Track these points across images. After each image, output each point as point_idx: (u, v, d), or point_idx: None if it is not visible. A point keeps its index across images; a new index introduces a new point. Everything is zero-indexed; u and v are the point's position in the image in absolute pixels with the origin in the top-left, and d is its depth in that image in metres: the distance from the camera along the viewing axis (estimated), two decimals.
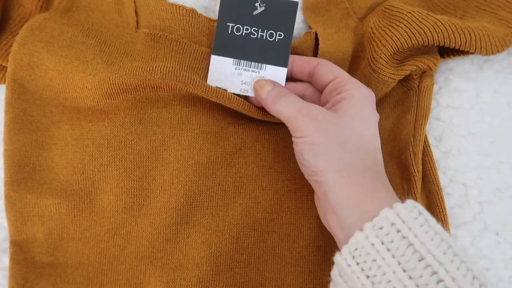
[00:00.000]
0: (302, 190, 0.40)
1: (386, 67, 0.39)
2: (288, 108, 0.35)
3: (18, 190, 0.37)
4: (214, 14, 0.45)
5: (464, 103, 0.43)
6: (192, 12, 0.39)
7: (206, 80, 0.39)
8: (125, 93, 0.37)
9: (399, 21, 0.39)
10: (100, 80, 0.36)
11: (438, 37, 0.38)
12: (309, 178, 0.35)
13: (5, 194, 0.37)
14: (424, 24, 0.38)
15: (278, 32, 0.38)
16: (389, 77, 0.39)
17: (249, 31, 0.38)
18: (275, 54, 0.39)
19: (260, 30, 0.38)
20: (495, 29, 0.39)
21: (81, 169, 0.38)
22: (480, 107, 0.43)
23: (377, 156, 0.34)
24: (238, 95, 0.38)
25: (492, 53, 0.40)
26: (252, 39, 0.38)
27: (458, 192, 0.42)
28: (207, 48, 0.40)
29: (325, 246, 0.40)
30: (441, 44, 0.38)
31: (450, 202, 0.42)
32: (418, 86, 0.42)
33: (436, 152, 0.43)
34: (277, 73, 0.39)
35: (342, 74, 0.36)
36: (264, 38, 0.38)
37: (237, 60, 0.39)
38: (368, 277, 0.28)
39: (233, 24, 0.38)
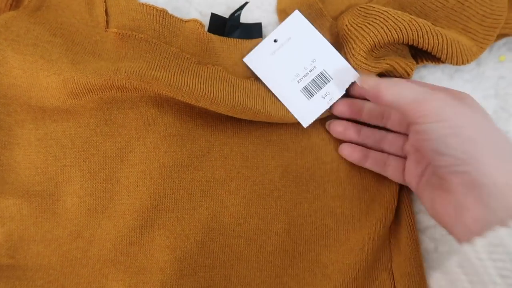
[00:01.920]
0: (271, 195, 0.40)
1: (366, 61, 0.39)
2: (414, 90, 0.31)
3: None
4: (188, 15, 0.45)
5: None
6: (163, 12, 0.39)
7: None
8: (90, 93, 0.36)
9: (375, 18, 0.39)
10: (65, 79, 0.35)
11: (413, 35, 0.38)
12: (452, 169, 0.30)
13: None
14: (400, 22, 0.38)
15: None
16: (367, 69, 0.39)
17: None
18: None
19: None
20: (462, 39, 0.40)
21: (44, 170, 0.37)
22: None
23: None
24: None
25: (462, 63, 0.40)
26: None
27: None
28: (177, 49, 0.39)
29: (293, 251, 0.40)
30: (415, 44, 0.38)
31: (414, 207, 0.42)
32: None
33: None
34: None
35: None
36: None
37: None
38: (503, 277, 0.25)
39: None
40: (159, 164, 0.38)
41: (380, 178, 0.41)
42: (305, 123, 0.40)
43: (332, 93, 0.40)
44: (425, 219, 0.42)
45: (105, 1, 0.40)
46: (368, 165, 0.40)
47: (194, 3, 0.45)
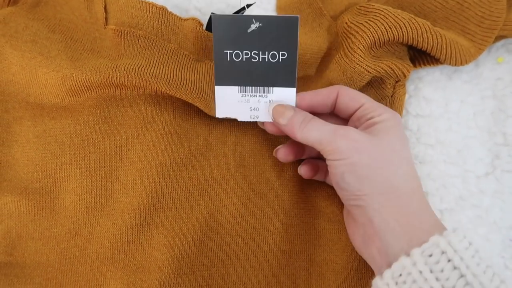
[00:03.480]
0: (268, 195, 0.40)
1: (363, 58, 0.39)
2: (320, 131, 0.33)
3: None
4: (187, 13, 0.44)
5: (433, 111, 0.44)
6: (162, 10, 0.39)
7: (215, 112, 0.38)
8: (89, 91, 0.36)
9: (375, 15, 0.39)
10: (64, 76, 0.35)
11: (412, 33, 0.38)
12: (350, 203, 0.33)
13: None
14: (400, 20, 0.38)
15: (281, 52, 0.36)
16: (365, 68, 0.39)
17: (249, 55, 0.36)
18: (281, 75, 0.37)
19: (261, 52, 0.36)
20: (461, 40, 0.40)
21: (42, 167, 0.37)
22: (449, 116, 0.44)
23: (417, 178, 0.33)
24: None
25: (461, 63, 0.40)
26: (254, 63, 0.36)
27: None
28: (176, 46, 0.39)
29: (290, 250, 0.40)
30: (414, 43, 0.39)
31: None
32: (391, 96, 0.42)
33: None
34: (286, 94, 0.37)
35: (367, 100, 0.35)
36: (267, 60, 0.36)
37: (242, 87, 0.37)
38: None
39: (231, 51, 0.36)
40: (157, 163, 0.38)
41: None
42: (218, 114, 0.38)
43: (260, 114, 0.38)
44: None
45: None
46: (303, 170, 0.39)
47: (193, 0, 0.45)
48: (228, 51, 0.36)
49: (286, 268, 0.40)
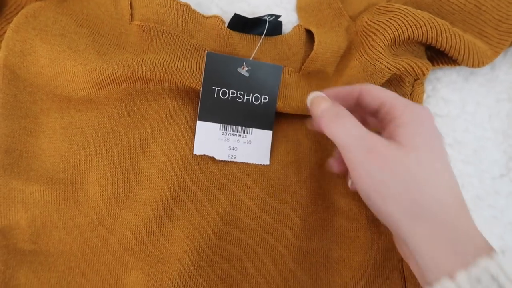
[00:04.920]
0: (287, 191, 0.41)
1: (384, 55, 0.39)
2: (347, 135, 0.30)
3: (4, 176, 0.36)
4: (209, 11, 0.45)
5: (451, 112, 0.44)
6: (186, 7, 0.40)
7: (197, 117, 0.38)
8: (115, 84, 0.37)
9: (395, 14, 0.39)
10: (91, 70, 0.36)
11: (432, 33, 0.38)
12: (380, 218, 0.30)
13: None
14: (420, 19, 0.38)
15: (263, 96, 0.38)
16: (385, 65, 0.40)
17: (235, 94, 0.38)
18: (260, 118, 0.38)
19: (246, 93, 0.38)
20: (478, 43, 0.41)
21: (68, 158, 0.38)
22: (465, 117, 0.44)
23: (455, 189, 0.28)
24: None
25: (478, 65, 0.41)
26: (238, 103, 0.38)
27: None
28: (199, 42, 0.40)
29: (307, 246, 0.40)
30: (433, 42, 0.39)
31: None
32: (410, 94, 0.43)
33: None
34: (264, 137, 0.39)
35: (389, 98, 0.31)
36: (250, 101, 0.38)
37: (223, 125, 0.38)
38: None
39: (219, 88, 0.37)
40: (180, 156, 0.38)
41: None
42: (196, 150, 0.38)
43: (238, 154, 0.39)
44: None
45: None
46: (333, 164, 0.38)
47: None
48: (216, 88, 0.38)
49: (303, 263, 0.40)
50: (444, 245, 0.26)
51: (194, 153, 0.38)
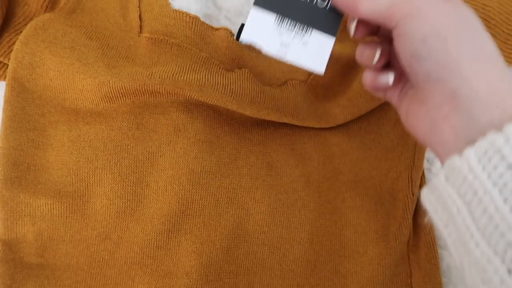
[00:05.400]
0: (295, 205, 0.40)
1: None
2: None
3: (11, 189, 0.36)
4: (217, 22, 0.45)
5: None
6: (195, 19, 0.40)
7: (238, 37, 0.33)
8: (124, 97, 0.37)
9: None
10: (100, 83, 0.36)
11: None
12: (430, 76, 0.27)
13: None
14: None
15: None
16: None
17: None
18: (325, 20, 0.33)
19: None
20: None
21: (75, 171, 0.38)
22: None
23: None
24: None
25: None
26: (301, 1, 0.33)
27: None
28: (207, 55, 0.40)
29: (315, 260, 0.40)
30: None
31: None
32: None
33: (428, 174, 0.43)
34: (324, 42, 0.33)
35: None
36: (315, 3, 0.33)
37: (281, 17, 0.33)
38: (495, 184, 0.22)
39: None
40: (188, 170, 0.38)
41: (394, 192, 0.42)
42: (243, 36, 0.33)
43: (289, 52, 0.34)
44: None
45: (139, 7, 0.40)
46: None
47: (223, 10, 0.45)
48: None
49: (311, 278, 0.40)
50: (502, 89, 0.25)
51: (239, 40, 0.33)
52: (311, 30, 0.33)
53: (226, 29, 0.40)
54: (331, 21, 0.33)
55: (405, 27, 0.27)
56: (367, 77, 0.32)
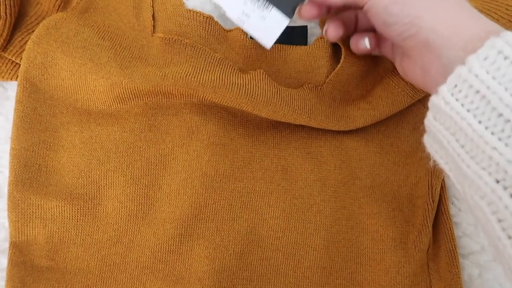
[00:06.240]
0: (310, 210, 0.39)
1: None
2: None
3: (22, 191, 0.36)
4: (231, 23, 0.44)
5: None
6: (209, 19, 0.39)
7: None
8: (136, 98, 0.36)
9: None
10: (113, 84, 0.35)
11: None
12: (404, 36, 0.31)
13: (9, 194, 0.36)
14: None
15: None
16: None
17: None
18: (285, 2, 0.36)
19: None
20: None
21: (87, 173, 0.37)
22: None
23: None
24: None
25: None
26: None
27: (466, 222, 0.41)
28: (221, 55, 0.39)
29: (330, 268, 0.39)
30: None
31: (458, 231, 0.41)
32: None
33: (446, 181, 0.42)
34: (279, 21, 0.37)
35: None
36: None
37: None
38: (469, 110, 0.24)
39: None
40: (201, 173, 0.37)
41: (413, 199, 0.40)
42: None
43: (247, 22, 0.37)
44: (469, 244, 0.41)
45: (152, 6, 0.40)
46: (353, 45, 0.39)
47: None
48: None
49: (326, 285, 0.39)
50: (461, 28, 0.28)
51: None
52: (271, 8, 0.36)
53: (239, 30, 0.40)
54: (290, 3, 0.37)
55: (370, 3, 0.32)
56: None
